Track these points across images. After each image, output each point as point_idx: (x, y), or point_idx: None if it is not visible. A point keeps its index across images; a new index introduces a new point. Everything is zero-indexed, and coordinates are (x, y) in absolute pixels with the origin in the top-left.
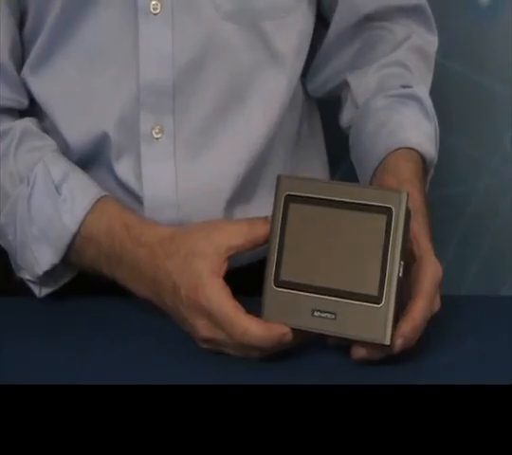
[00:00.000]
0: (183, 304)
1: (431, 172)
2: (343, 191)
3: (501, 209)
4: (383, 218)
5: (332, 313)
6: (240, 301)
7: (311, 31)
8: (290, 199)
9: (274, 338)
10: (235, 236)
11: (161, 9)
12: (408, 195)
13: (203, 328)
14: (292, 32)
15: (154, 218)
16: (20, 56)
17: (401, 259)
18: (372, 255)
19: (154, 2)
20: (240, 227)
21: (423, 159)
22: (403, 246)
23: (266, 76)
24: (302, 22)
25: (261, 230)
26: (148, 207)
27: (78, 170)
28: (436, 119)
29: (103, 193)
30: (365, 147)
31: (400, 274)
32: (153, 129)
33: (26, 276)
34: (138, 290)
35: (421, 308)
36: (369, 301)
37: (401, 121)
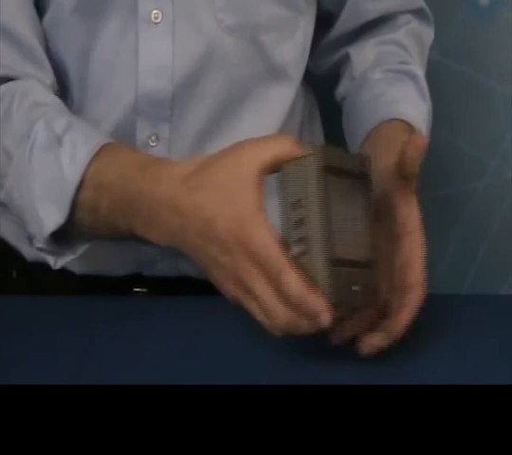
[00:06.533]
0: (216, 240)
1: None
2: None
3: (501, 209)
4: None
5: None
6: None
7: (310, 40)
8: (327, 170)
9: (306, 310)
10: (264, 152)
11: (162, 18)
12: (369, 158)
13: (238, 267)
14: (292, 44)
15: None
16: (41, 30)
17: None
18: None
19: (155, 11)
20: (265, 143)
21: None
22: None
23: (264, 87)
24: (301, 34)
25: (289, 143)
26: None
27: (83, 120)
28: (430, 101)
29: (109, 140)
30: (360, 115)
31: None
32: (149, 137)
33: (38, 244)
34: (159, 236)
35: (418, 301)
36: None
37: (398, 95)
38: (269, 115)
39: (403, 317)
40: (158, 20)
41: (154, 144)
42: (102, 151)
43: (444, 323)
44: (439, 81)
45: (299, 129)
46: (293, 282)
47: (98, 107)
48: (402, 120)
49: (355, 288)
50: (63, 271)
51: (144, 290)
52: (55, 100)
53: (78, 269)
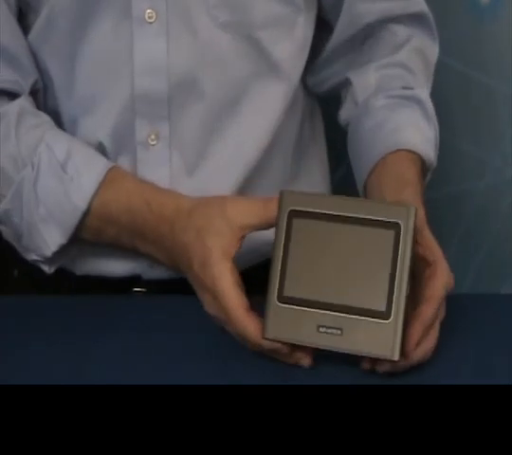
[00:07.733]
0: (194, 278)
1: (429, 176)
2: (349, 206)
3: (501, 209)
4: (391, 233)
5: (338, 329)
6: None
7: (310, 37)
8: (294, 214)
9: (267, 349)
10: (250, 215)
11: (156, 17)
12: (416, 210)
13: (208, 304)
14: (289, 41)
15: None
16: (21, 36)
17: (410, 274)
18: (380, 270)
19: (149, 10)
20: (255, 206)
21: (422, 162)
22: (411, 262)
23: (263, 85)
24: (300, 31)
25: (276, 210)
26: None
27: (80, 144)
28: (437, 124)
29: (110, 165)
30: (364, 143)
31: (408, 290)
32: (148, 136)
33: (33, 257)
34: (161, 259)
35: (430, 314)
36: (377, 317)
37: (402, 122)
38: (269, 111)
39: (414, 330)
40: (152, 19)
41: (153, 143)
42: (106, 179)
43: (444, 323)
44: (440, 81)
45: (299, 126)
46: (244, 331)
47: (92, 110)
48: (407, 150)
49: (326, 331)
50: (63, 272)
51: (143, 290)
52: (47, 119)
53: (78, 270)
